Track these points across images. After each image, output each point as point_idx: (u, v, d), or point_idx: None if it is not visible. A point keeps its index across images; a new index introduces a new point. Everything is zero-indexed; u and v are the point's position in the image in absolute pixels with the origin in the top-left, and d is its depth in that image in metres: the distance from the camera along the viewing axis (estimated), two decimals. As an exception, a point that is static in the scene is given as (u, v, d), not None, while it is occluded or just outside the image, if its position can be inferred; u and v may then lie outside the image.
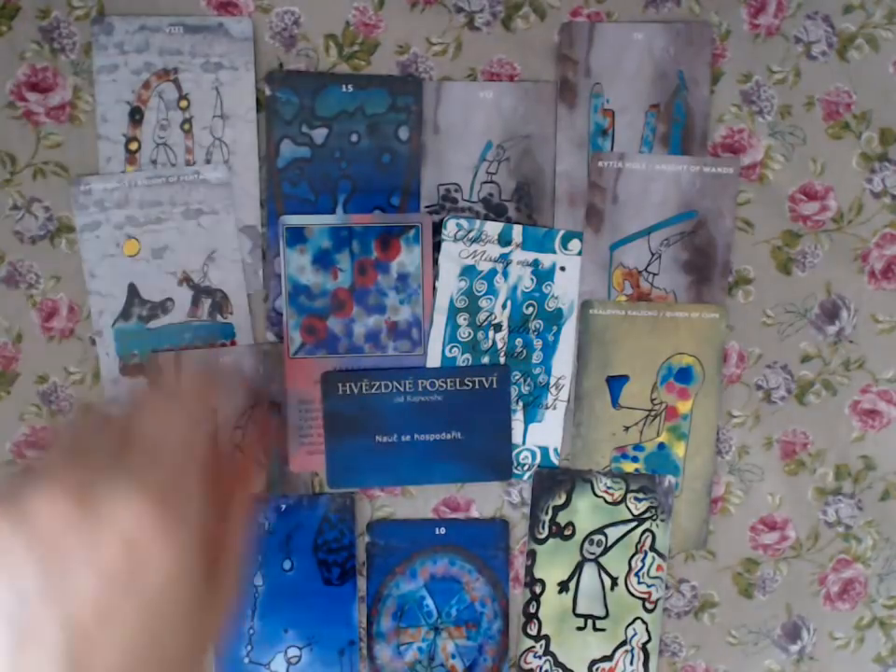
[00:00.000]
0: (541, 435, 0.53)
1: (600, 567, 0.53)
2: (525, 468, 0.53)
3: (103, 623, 0.28)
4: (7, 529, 0.28)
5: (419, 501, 0.53)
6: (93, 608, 0.28)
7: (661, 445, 0.53)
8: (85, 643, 0.27)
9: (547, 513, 0.53)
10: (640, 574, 0.53)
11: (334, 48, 0.50)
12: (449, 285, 0.51)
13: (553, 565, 0.53)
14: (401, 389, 0.51)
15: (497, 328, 0.52)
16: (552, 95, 0.51)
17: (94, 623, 0.28)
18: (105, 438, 0.32)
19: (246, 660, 0.52)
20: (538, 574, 0.53)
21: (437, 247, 0.51)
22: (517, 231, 0.51)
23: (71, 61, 0.50)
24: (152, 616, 0.29)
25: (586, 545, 0.53)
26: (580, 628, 0.53)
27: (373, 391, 0.51)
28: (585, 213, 0.51)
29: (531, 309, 0.52)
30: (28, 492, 0.29)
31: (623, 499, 0.53)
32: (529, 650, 0.54)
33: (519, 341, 0.52)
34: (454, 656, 0.53)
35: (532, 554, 0.53)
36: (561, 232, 0.51)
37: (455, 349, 0.52)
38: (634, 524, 0.53)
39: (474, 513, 0.53)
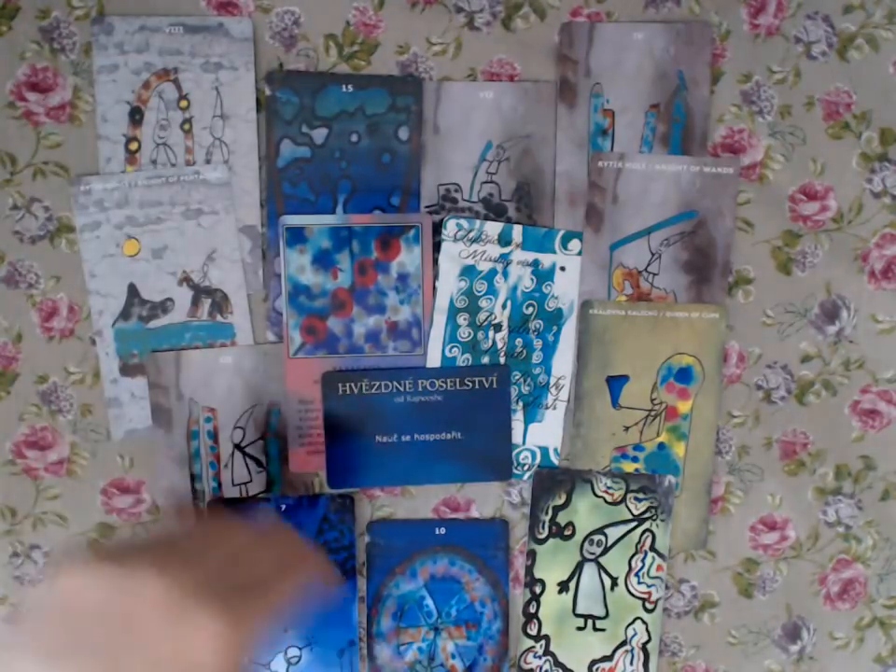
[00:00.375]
0: (541, 435, 0.53)
1: (600, 566, 0.53)
2: (525, 468, 0.53)
3: None
4: (97, 591, 0.31)
5: (419, 501, 0.53)
6: None
7: (661, 445, 0.53)
8: None
9: (547, 513, 0.53)
10: (640, 574, 0.53)
11: (334, 48, 0.50)
12: (449, 285, 0.51)
13: (553, 565, 0.53)
14: (401, 389, 0.51)
15: (497, 328, 0.52)
16: (552, 95, 0.51)
17: None
18: (221, 555, 0.35)
19: (246, 660, 0.52)
20: (538, 574, 0.53)
21: (437, 247, 0.51)
22: (517, 230, 0.51)
23: (71, 61, 0.50)
24: None
25: (586, 545, 0.53)
26: (580, 628, 0.53)
27: (373, 391, 0.51)
28: (585, 213, 0.51)
29: (531, 309, 0.52)
30: (140, 566, 0.32)
31: (623, 499, 0.53)
32: (529, 650, 0.54)
33: (519, 341, 0.52)
34: (454, 656, 0.53)
35: (532, 554, 0.53)
36: (561, 232, 0.51)
37: (455, 349, 0.52)
38: (634, 524, 0.53)
39: (474, 513, 0.53)
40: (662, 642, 0.54)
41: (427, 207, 0.51)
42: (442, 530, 0.53)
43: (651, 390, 0.52)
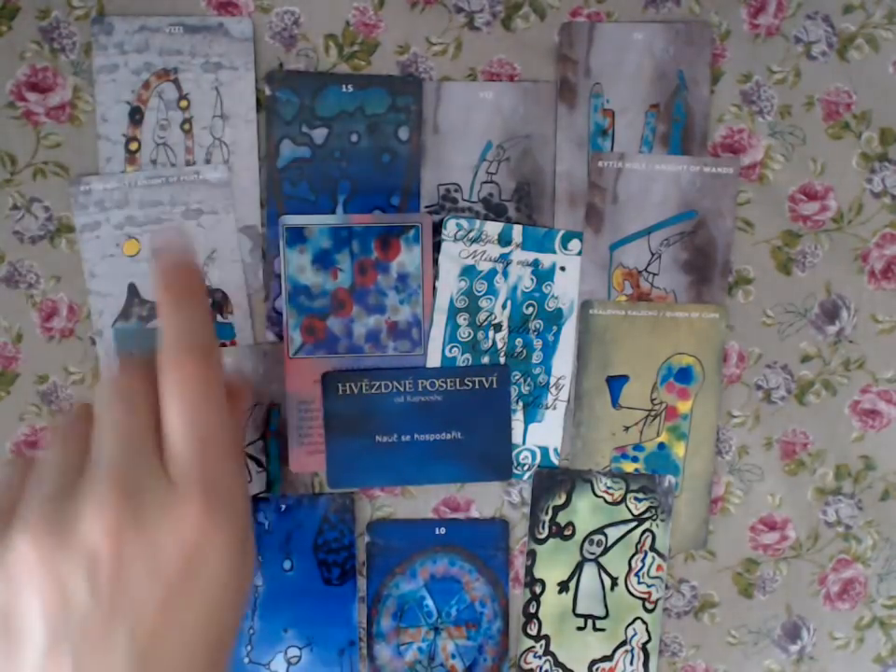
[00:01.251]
0: (541, 435, 0.53)
1: (600, 566, 0.53)
2: (525, 468, 0.53)
3: (168, 624, 0.29)
4: (57, 549, 0.29)
5: (419, 501, 0.53)
6: (157, 612, 0.29)
7: (661, 445, 0.53)
8: (152, 646, 0.29)
9: (547, 513, 0.53)
10: (640, 574, 0.53)
11: (334, 48, 0.50)
12: (449, 285, 0.51)
13: (553, 565, 0.53)
14: (401, 389, 0.51)
15: (497, 328, 0.52)
16: (552, 95, 0.51)
17: (160, 625, 0.29)
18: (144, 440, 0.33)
19: (246, 660, 0.52)
20: (538, 574, 0.53)
21: (437, 247, 0.51)
22: (517, 230, 0.51)
23: (71, 61, 0.50)
24: (213, 607, 0.31)
25: (586, 545, 0.53)
26: (580, 628, 0.53)
27: (373, 391, 0.51)
28: (585, 213, 0.51)
29: (531, 309, 0.52)
30: (74, 510, 0.30)
31: (623, 499, 0.53)
32: (529, 650, 0.54)
33: (519, 341, 0.52)
34: (454, 656, 0.53)
35: (532, 554, 0.53)
36: (561, 232, 0.51)
37: (455, 349, 0.52)
38: (634, 524, 0.53)
39: (474, 513, 0.53)
40: (662, 642, 0.54)
41: (426, 207, 0.51)
42: (442, 530, 0.53)
43: (651, 390, 0.52)
